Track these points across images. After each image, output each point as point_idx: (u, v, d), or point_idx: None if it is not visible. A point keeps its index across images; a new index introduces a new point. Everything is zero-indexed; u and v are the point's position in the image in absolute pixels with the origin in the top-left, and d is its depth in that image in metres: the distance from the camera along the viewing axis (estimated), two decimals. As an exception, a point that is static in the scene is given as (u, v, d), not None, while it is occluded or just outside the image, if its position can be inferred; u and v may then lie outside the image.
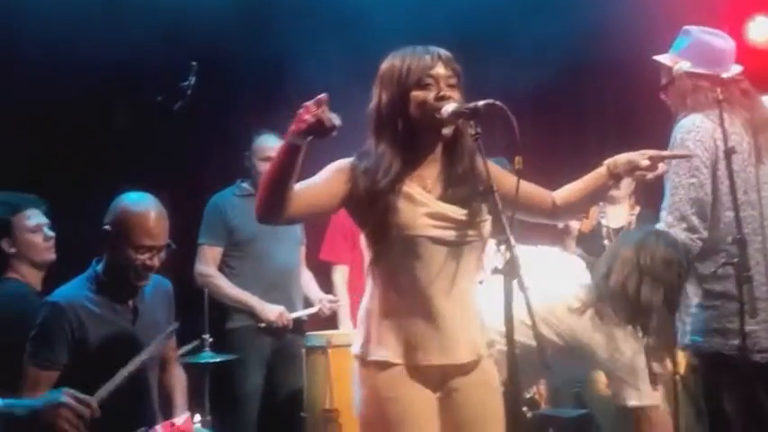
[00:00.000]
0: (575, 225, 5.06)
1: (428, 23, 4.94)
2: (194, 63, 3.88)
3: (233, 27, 5.01)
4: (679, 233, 3.22)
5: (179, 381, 3.38)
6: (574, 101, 5.88)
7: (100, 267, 3.08)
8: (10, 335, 3.19)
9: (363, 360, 2.53)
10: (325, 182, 2.51)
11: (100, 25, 4.46)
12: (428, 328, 2.49)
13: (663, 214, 3.30)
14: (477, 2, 5.08)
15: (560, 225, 5.13)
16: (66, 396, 2.40)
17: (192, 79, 3.89)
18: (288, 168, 2.35)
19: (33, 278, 3.53)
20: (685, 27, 3.46)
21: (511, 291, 2.26)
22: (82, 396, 2.44)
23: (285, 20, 5.10)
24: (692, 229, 3.22)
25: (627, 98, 5.59)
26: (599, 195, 2.80)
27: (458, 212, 2.52)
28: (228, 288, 4.54)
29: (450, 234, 2.50)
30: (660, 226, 3.29)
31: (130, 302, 3.11)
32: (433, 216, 2.49)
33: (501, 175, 2.58)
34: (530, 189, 2.66)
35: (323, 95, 2.32)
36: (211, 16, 4.81)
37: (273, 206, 2.39)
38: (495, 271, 2.28)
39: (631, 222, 5.08)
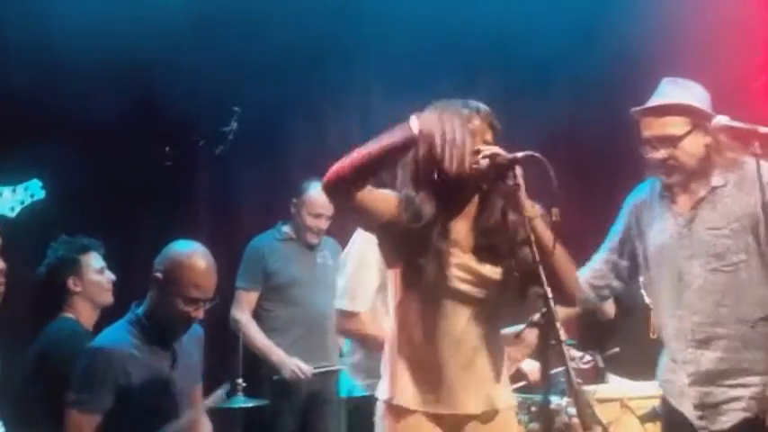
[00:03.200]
0: None
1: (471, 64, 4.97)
2: (237, 108, 3.95)
3: (275, 75, 5.08)
4: None
5: (205, 429, 3.40)
6: (610, 151, 5.86)
7: (141, 311, 3.11)
8: (63, 372, 3.22)
9: (387, 404, 2.55)
10: (385, 194, 2.52)
11: (143, 67, 4.53)
12: (437, 381, 2.51)
13: None
14: (516, 48, 5.10)
15: None
16: None
17: (234, 125, 3.96)
18: (396, 156, 2.44)
19: (89, 318, 3.60)
20: (676, 78, 3.19)
21: (547, 344, 2.24)
22: None
23: (329, 68, 5.17)
24: None
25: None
26: None
27: (488, 270, 2.53)
28: (256, 337, 4.54)
29: (477, 291, 2.52)
30: None
31: (170, 347, 3.14)
32: (464, 271, 2.51)
33: None
34: None
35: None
36: (253, 62, 4.87)
37: (354, 182, 2.40)
38: (532, 324, 2.27)
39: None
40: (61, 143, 4.41)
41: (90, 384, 2.97)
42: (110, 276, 3.66)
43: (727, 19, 4.78)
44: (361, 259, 3.24)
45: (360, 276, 3.24)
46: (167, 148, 4.11)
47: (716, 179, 3.06)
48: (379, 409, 2.61)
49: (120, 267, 3.87)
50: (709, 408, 3.02)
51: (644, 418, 4.31)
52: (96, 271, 3.62)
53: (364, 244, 3.18)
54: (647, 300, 4.84)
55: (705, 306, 3.01)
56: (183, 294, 3.00)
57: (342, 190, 2.42)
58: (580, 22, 5.00)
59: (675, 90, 3.11)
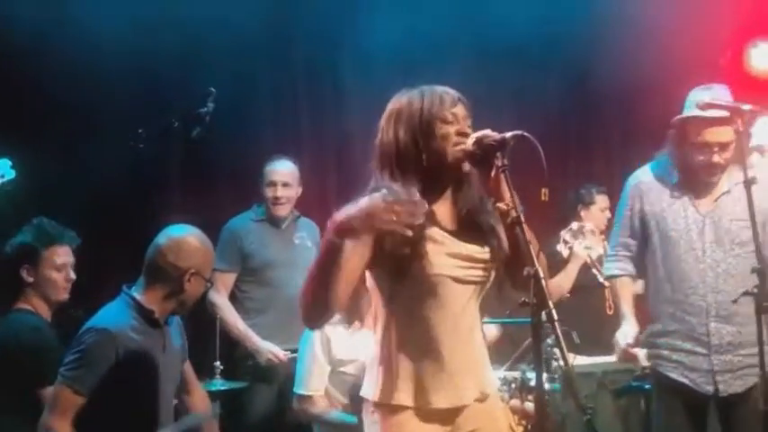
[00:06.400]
0: None
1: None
2: (213, 89, 3.90)
3: (251, 54, 5.03)
4: None
5: (204, 403, 3.44)
6: (581, 127, 5.95)
7: (140, 296, 3.08)
8: (23, 364, 3.25)
9: (380, 404, 2.49)
10: (352, 246, 2.34)
11: (118, 49, 4.47)
12: (438, 369, 2.47)
13: None
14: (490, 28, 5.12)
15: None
16: None
17: (211, 106, 3.91)
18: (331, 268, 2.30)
19: (43, 311, 3.48)
20: (711, 85, 3.45)
21: (540, 324, 2.23)
22: None
23: (303, 48, 5.13)
24: None
25: (631, 124, 5.66)
26: None
27: (476, 250, 2.50)
28: (233, 322, 4.52)
29: (470, 273, 2.49)
30: None
31: (163, 331, 3.14)
32: (454, 255, 2.47)
33: None
34: None
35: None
36: (230, 43, 4.82)
37: (326, 309, 2.40)
38: (524, 303, 2.27)
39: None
40: (33, 127, 4.36)
41: (87, 365, 2.94)
42: (69, 275, 3.49)
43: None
44: (312, 346, 3.67)
45: (311, 363, 3.68)
46: (140, 131, 4.05)
47: (739, 175, 3.36)
48: (369, 409, 2.53)
49: (96, 249, 3.83)
50: (727, 373, 3.42)
51: (617, 393, 4.41)
52: (55, 267, 3.45)
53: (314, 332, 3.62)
54: (601, 279, 4.96)
55: (727, 287, 3.41)
56: (207, 278, 3.15)
57: (324, 317, 2.49)
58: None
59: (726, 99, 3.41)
